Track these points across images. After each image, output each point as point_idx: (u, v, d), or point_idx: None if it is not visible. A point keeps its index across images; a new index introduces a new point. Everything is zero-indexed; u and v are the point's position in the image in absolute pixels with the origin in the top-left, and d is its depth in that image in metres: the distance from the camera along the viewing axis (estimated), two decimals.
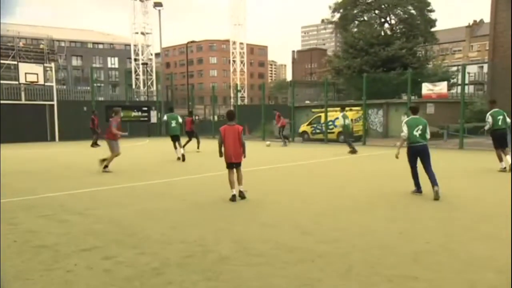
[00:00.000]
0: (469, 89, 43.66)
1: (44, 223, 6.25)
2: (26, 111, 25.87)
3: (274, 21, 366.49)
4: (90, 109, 25.04)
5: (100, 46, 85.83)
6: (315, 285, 3.90)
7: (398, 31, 38.20)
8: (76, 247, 5.08)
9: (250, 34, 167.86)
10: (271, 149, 18.67)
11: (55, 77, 27.91)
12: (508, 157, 11.14)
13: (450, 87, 30.88)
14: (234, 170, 7.81)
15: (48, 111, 26.82)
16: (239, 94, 43.75)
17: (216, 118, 30.18)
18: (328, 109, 23.57)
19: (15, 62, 30.07)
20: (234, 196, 7.61)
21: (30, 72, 25.48)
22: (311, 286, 3.88)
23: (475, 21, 76.57)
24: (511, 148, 11.56)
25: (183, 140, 15.91)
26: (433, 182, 7.78)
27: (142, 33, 57.10)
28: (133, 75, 57.74)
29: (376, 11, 39.80)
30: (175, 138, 14.87)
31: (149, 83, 54.08)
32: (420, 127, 8.08)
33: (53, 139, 26.69)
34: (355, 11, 40.05)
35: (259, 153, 17.09)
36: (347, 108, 19.77)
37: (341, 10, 40.53)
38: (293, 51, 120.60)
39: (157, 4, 36.36)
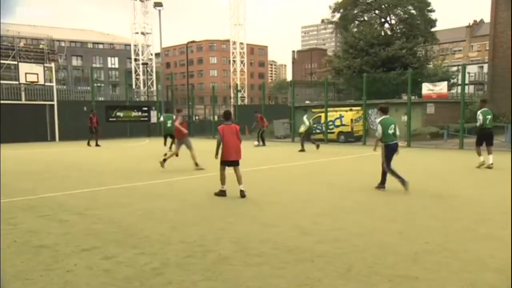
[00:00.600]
0: (469, 89, 43.63)
1: (44, 223, 6.25)
2: (26, 111, 25.88)
3: (274, 21, 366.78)
4: (90, 108, 25.08)
5: (100, 46, 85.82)
6: (314, 285, 3.90)
7: (398, 31, 38.21)
8: (76, 247, 5.08)
9: (250, 34, 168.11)
10: (271, 149, 18.66)
11: (55, 77, 27.91)
12: (491, 156, 11.81)
13: (450, 87, 30.88)
14: (226, 168, 8.03)
15: (48, 111, 26.83)
16: (239, 94, 43.72)
17: (216, 118, 30.16)
18: (329, 109, 23.59)
19: (15, 62, 30.10)
20: (224, 192, 7.95)
21: (30, 72, 25.48)
22: (311, 286, 3.88)
23: (475, 21, 76.58)
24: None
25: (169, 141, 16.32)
26: (400, 175, 8.50)
27: (142, 33, 57.09)
28: (133, 75, 57.72)
29: (376, 11, 39.82)
30: (169, 137, 15.72)
31: (149, 83, 54.07)
32: (392, 126, 8.67)
33: (53, 139, 26.69)
34: (355, 11, 40.08)
35: (259, 153, 17.09)
36: (346, 108, 19.88)
37: (341, 10, 40.56)
38: (293, 51, 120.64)
39: (157, 4, 36.31)
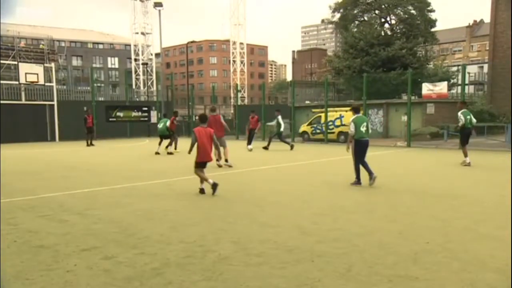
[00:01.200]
0: (469, 89, 43.63)
1: (44, 223, 6.25)
2: (26, 111, 25.89)
3: (274, 21, 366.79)
4: (88, 108, 25.13)
5: (100, 46, 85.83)
6: (314, 285, 3.90)
7: (398, 31, 38.22)
8: (76, 247, 5.08)
9: (250, 34, 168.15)
10: (271, 149, 18.63)
11: (55, 77, 27.91)
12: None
13: (450, 87, 30.89)
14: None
15: (48, 111, 26.84)
16: (239, 94, 43.69)
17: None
18: (329, 109, 23.59)
19: (15, 62, 30.10)
20: (202, 190, 8.26)
21: (30, 72, 25.49)
22: (311, 286, 3.88)
23: (475, 21, 76.57)
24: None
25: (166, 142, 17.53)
26: (372, 172, 9.07)
27: (142, 33, 57.18)
28: (133, 75, 57.78)
29: (376, 11, 39.83)
30: (162, 137, 17.51)
31: (149, 83, 54.13)
32: (365, 123, 9.27)
33: (53, 139, 26.70)
34: (355, 11, 40.10)
35: (259, 154, 17.09)
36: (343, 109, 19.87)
37: (341, 10, 40.59)
38: (293, 51, 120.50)
39: (157, 4, 36.33)
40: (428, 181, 10.02)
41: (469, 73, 40.56)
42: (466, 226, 5.90)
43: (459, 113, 12.72)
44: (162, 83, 38.99)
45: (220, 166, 12.43)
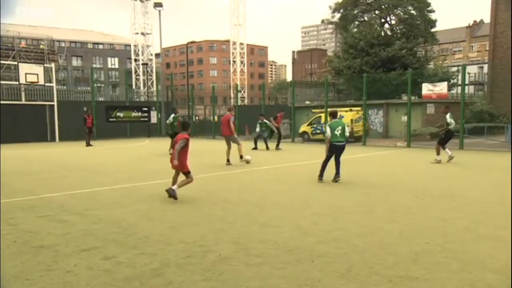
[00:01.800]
0: (469, 89, 43.63)
1: (44, 224, 6.25)
2: (26, 112, 25.88)
3: (274, 22, 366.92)
4: (88, 108, 25.14)
5: (100, 47, 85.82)
6: (314, 285, 3.90)
7: (398, 31, 38.19)
8: (76, 247, 5.08)
9: (250, 34, 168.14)
10: (270, 149, 18.62)
11: (55, 78, 27.91)
12: (448, 150, 13.46)
13: (450, 87, 30.88)
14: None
15: (48, 111, 26.83)
16: (239, 95, 43.72)
17: (216, 118, 30.14)
18: (329, 109, 23.57)
19: (15, 63, 30.09)
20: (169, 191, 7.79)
21: (30, 72, 25.47)
22: (311, 286, 3.88)
23: (475, 21, 76.54)
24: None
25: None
26: (339, 172, 9.83)
27: (142, 34, 57.14)
28: (133, 76, 57.77)
29: (376, 12, 39.81)
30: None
31: (149, 83, 54.10)
32: (340, 127, 9.73)
33: (53, 139, 26.69)
34: (355, 12, 40.07)
35: (259, 154, 17.08)
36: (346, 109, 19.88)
37: (341, 11, 40.55)
38: (293, 52, 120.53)
39: (157, 5, 36.34)
40: (428, 181, 10.02)
41: (469, 73, 40.57)
42: (466, 226, 5.90)
43: (447, 116, 13.47)
44: (162, 84, 38.99)
45: (229, 164, 13.06)
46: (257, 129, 20.08)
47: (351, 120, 23.03)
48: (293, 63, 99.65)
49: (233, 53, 65.85)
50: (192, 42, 66.29)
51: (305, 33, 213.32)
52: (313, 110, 26.59)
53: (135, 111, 30.00)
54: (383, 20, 39.91)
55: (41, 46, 53.03)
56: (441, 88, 20.18)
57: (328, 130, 9.81)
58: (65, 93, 32.81)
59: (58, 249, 5.01)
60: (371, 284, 3.91)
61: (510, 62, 28.09)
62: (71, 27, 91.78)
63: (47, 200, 7.99)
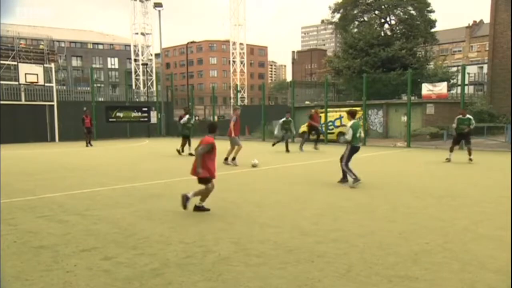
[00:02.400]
0: (469, 89, 43.62)
1: (44, 224, 6.25)
2: (26, 112, 25.87)
3: (274, 22, 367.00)
4: (88, 108, 25.12)
5: (100, 47, 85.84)
6: (314, 286, 3.90)
7: (398, 31, 38.20)
8: (75, 247, 5.08)
9: (250, 34, 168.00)
10: (270, 149, 18.61)
11: (55, 78, 27.91)
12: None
13: (450, 87, 30.88)
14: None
15: (48, 111, 26.81)
16: (239, 95, 43.77)
17: (216, 118, 30.13)
18: (329, 109, 23.58)
19: (15, 63, 30.09)
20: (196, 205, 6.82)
21: (30, 72, 25.46)
22: (311, 287, 3.88)
23: (474, 21, 76.58)
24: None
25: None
26: (346, 177, 9.40)
27: (142, 34, 57.18)
28: (133, 76, 57.79)
29: (376, 12, 39.81)
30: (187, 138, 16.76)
31: (149, 83, 54.08)
32: (360, 129, 9.44)
33: (53, 139, 26.68)
34: (355, 12, 40.07)
35: (258, 154, 17.07)
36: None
37: (341, 11, 40.55)
38: (293, 52, 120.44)
39: (157, 5, 36.38)
40: (428, 181, 10.02)
41: (468, 73, 40.57)
42: (466, 226, 5.90)
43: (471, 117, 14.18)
44: (162, 84, 38.93)
45: (226, 163, 13.09)
46: (277, 127, 18.91)
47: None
48: (293, 63, 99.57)
49: (233, 53, 65.90)
50: (192, 42, 66.21)
51: (305, 33, 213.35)
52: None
53: (135, 111, 30.01)
54: (383, 20, 39.91)
55: (41, 46, 53.08)
56: (441, 88, 20.19)
57: (350, 132, 9.18)
58: (65, 93, 32.80)
59: (58, 249, 5.01)
60: (371, 284, 3.91)
61: (510, 62, 28.08)
62: (71, 27, 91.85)
63: (47, 201, 7.99)
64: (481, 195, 8.24)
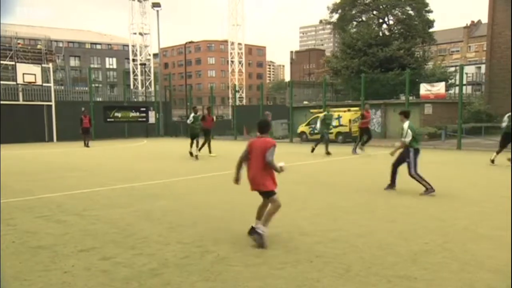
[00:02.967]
0: (467, 89, 43.68)
1: (42, 224, 6.23)
2: (24, 112, 25.82)
3: (272, 22, 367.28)
4: (86, 108, 25.09)
5: (98, 47, 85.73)
6: (313, 286, 3.89)
7: (396, 31, 38.25)
8: (74, 247, 5.06)
9: (248, 34, 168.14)
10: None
11: (53, 78, 27.85)
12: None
13: (448, 87, 30.92)
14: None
15: (46, 111, 26.77)
16: (238, 95, 43.76)
17: (214, 118, 30.08)
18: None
19: (13, 63, 30.00)
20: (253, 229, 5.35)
21: (27, 72, 25.43)
22: (310, 287, 3.87)
23: (472, 21, 76.77)
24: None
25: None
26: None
27: (140, 34, 57.07)
28: (131, 76, 57.66)
29: (374, 12, 39.85)
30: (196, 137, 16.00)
31: (147, 83, 53.99)
32: (416, 131, 8.64)
33: (51, 139, 26.64)
34: (353, 12, 40.11)
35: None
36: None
37: (339, 11, 40.59)
38: (291, 52, 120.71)
39: (155, 5, 36.34)
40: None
41: (466, 73, 40.61)
42: (465, 226, 5.90)
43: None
44: (160, 84, 38.89)
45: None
46: (318, 125, 17.42)
47: (349, 120, 23.04)
48: (291, 63, 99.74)
49: (231, 53, 65.88)
50: (190, 42, 66.12)
51: (303, 33, 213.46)
52: (311, 110, 26.59)
53: (133, 111, 29.98)
54: (381, 21, 39.95)
55: (39, 46, 52.96)
56: (439, 88, 20.24)
57: (410, 133, 8.30)
58: (63, 93, 32.74)
59: (57, 250, 5.00)
60: (370, 284, 3.90)
61: (510, 62, 28.12)
62: (69, 27, 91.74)
63: (45, 201, 7.97)
64: (480, 195, 8.25)
